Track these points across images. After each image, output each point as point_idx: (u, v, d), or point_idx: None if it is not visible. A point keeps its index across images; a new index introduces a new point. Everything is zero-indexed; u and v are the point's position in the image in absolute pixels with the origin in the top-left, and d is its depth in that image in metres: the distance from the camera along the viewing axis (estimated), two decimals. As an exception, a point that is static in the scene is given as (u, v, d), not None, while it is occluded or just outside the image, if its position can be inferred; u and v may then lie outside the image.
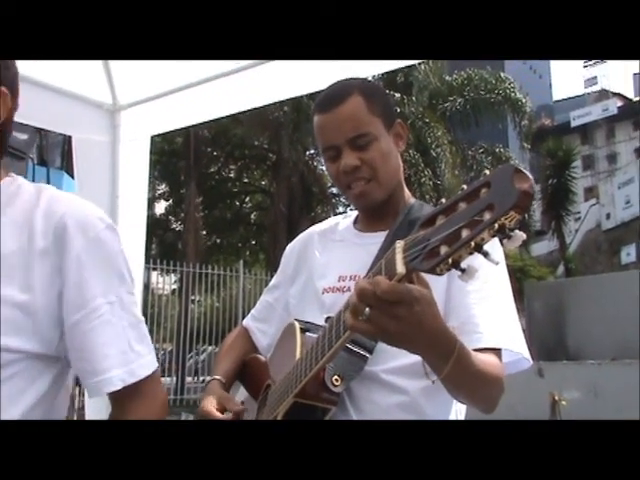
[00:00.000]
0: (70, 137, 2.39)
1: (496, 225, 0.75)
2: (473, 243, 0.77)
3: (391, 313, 0.87)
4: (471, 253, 0.78)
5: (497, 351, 1.15)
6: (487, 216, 0.76)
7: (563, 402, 5.13)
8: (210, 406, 1.28)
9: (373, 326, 0.89)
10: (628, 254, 26.16)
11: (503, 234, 0.75)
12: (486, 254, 0.78)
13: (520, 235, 0.76)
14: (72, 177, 2.46)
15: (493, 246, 0.79)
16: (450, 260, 0.79)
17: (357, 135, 1.24)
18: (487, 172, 0.80)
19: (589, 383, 7.69)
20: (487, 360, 1.09)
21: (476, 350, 1.12)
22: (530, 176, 0.76)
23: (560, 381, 7.37)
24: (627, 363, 7.97)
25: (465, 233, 0.78)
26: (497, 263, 0.81)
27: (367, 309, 0.89)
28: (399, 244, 0.88)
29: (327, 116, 1.27)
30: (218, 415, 1.26)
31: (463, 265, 0.80)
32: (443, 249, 0.80)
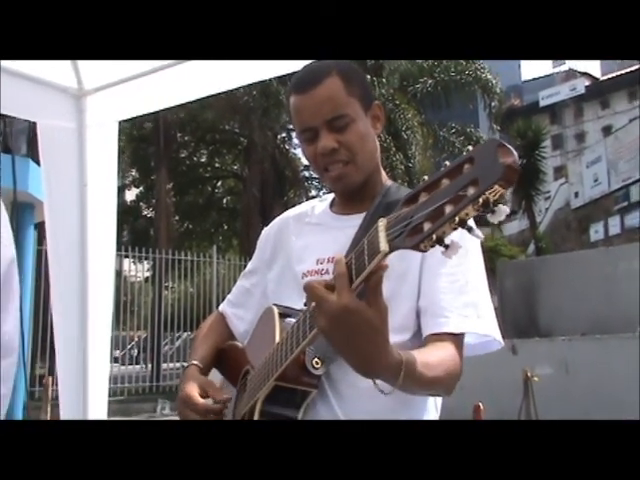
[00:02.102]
0: (35, 123, 2.32)
1: (480, 200, 0.75)
2: (457, 218, 0.77)
3: (327, 320, 0.92)
4: (455, 229, 0.78)
5: (459, 336, 1.16)
6: (471, 191, 0.75)
7: (535, 378, 5.24)
8: (193, 391, 1.26)
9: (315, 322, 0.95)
10: (596, 231, 26.69)
11: (487, 209, 0.75)
12: (470, 229, 0.78)
13: (504, 209, 0.76)
14: (39, 164, 2.39)
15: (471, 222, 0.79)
16: (434, 236, 0.79)
17: (335, 117, 1.22)
18: (466, 150, 0.80)
19: (560, 359, 7.87)
20: (439, 359, 1.10)
21: (438, 335, 1.15)
22: (514, 151, 0.76)
23: (532, 357, 7.51)
24: (597, 338, 8.16)
25: (449, 209, 0.77)
26: (481, 238, 0.82)
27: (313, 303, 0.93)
28: (382, 222, 0.88)
29: (304, 97, 1.24)
30: (201, 401, 1.25)
31: (446, 241, 0.80)
32: (427, 225, 0.80)
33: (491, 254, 15.45)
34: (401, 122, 13.72)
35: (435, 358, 1.09)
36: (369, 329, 0.92)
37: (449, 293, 1.17)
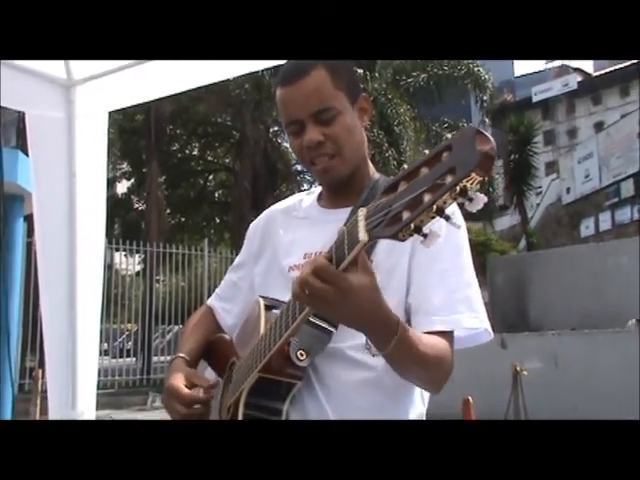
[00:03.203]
0: (24, 114, 2.30)
1: (458, 188, 0.75)
2: (435, 207, 0.77)
3: (322, 298, 0.93)
4: (433, 217, 0.78)
5: (450, 332, 1.16)
6: (449, 179, 0.76)
7: (525, 372, 5.27)
8: (178, 382, 1.26)
9: (308, 302, 0.97)
10: (587, 227, 26.84)
11: (465, 197, 0.75)
12: (448, 218, 0.79)
13: (482, 198, 0.76)
14: (28, 156, 2.37)
15: (454, 212, 0.79)
16: (412, 225, 0.79)
17: (321, 109, 1.21)
18: (447, 136, 0.80)
19: (550, 353, 7.91)
20: (433, 343, 1.11)
21: (430, 333, 1.14)
22: (491, 138, 0.76)
23: (522, 352, 7.55)
24: (586, 333, 8.21)
25: (427, 197, 0.78)
26: (459, 227, 0.82)
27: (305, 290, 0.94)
28: (361, 211, 0.88)
29: (290, 89, 1.23)
30: (186, 391, 1.25)
31: (425, 230, 0.80)
32: (405, 214, 0.80)
33: (482, 249, 15.50)
34: (393, 117, 13.70)
35: (428, 341, 1.10)
36: (365, 289, 0.94)
37: (439, 290, 1.17)
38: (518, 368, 5.17)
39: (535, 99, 38.22)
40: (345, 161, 1.25)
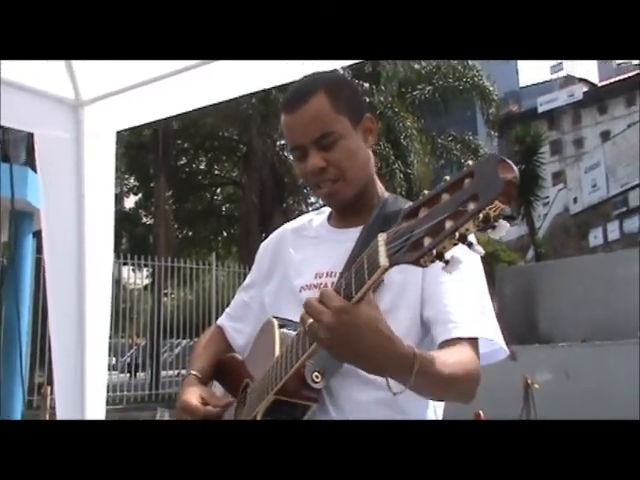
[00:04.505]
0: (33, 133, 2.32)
1: (481, 215, 0.75)
2: (457, 234, 0.77)
3: (324, 325, 0.92)
4: (455, 244, 0.78)
5: (472, 341, 1.15)
6: (471, 206, 0.75)
7: (536, 385, 5.22)
8: (192, 399, 1.26)
9: (312, 336, 0.96)
10: (595, 237, 26.70)
11: (487, 224, 0.75)
12: (470, 245, 0.78)
13: (505, 225, 0.76)
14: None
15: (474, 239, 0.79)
16: (434, 252, 0.79)
17: (322, 135, 1.22)
18: (469, 162, 0.80)
19: (561, 365, 7.84)
20: (457, 359, 1.09)
21: (451, 340, 1.13)
22: (514, 166, 0.76)
23: (532, 364, 7.50)
24: (597, 345, 8.14)
25: (449, 224, 0.77)
26: (481, 253, 0.82)
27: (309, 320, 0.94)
28: (382, 237, 0.88)
29: (292, 116, 1.25)
30: (201, 407, 1.25)
31: (447, 256, 0.80)
32: (427, 241, 0.79)
33: (490, 260, 15.44)
34: (400, 129, 13.73)
35: (453, 358, 1.09)
36: (369, 323, 0.93)
37: (456, 300, 1.17)
38: (529, 381, 5.13)
39: (541, 109, 38.20)
40: (349, 185, 1.26)
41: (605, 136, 33.78)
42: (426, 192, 0.84)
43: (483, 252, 0.82)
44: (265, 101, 13.67)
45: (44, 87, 2.20)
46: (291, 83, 1.34)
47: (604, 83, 39.79)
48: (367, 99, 12.91)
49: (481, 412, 4.89)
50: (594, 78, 44.07)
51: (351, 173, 1.25)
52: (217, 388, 1.42)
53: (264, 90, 2.30)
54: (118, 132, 2.41)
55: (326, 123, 1.22)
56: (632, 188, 25.90)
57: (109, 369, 13.06)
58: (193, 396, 1.27)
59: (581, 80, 41.58)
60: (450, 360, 1.06)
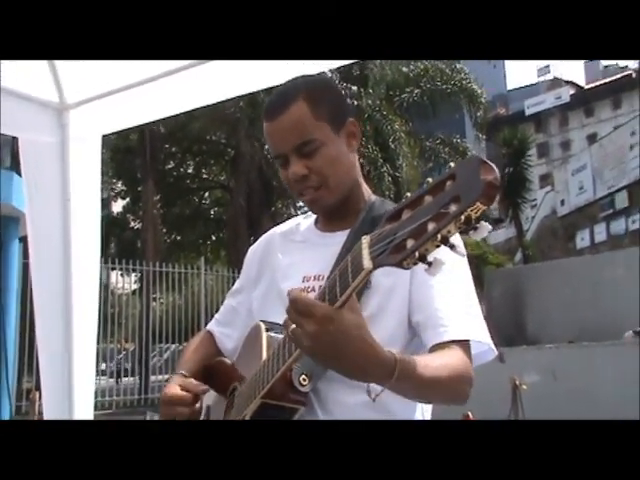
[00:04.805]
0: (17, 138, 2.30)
1: (462, 217, 0.75)
2: (440, 236, 0.77)
3: (307, 333, 0.91)
4: (438, 246, 0.79)
5: (464, 343, 1.15)
6: (453, 208, 0.76)
7: (524, 386, 5.25)
8: (172, 390, 1.27)
9: (294, 342, 0.96)
10: (582, 239, 26.92)
11: (469, 226, 0.76)
12: (452, 246, 0.79)
13: (486, 226, 0.77)
14: (24, 177, 2.38)
15: (456, 237, 0.79)
16: (417, 254, 0.79)
17: (302, 143, 1.22)
18: (451, 164, 0.80)
19: (548, 367, 7.89)
20: (443, 362, 1.09)
21: (442, 344, 1.13)
22: (495, 168, 0.76)
23: (520, 366, 7.53)
24: (584, 345, 8.20)
25: (431, 226, 0.78)
26: (464, 255, 0.82)
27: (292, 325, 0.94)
28: (365, 239, 0.88)
29: (272, 124, 1.25)
30: (184, 394, 1.25)
31: (429, 258, 0.80)
32: (409, 243, 0.80)
33: (478, 262, 15.51)
34: (388, 132, 13.77)
35: (439, 361, 1.08)
36: (351, 330, 0.92)
37: (445, 304, 1.17)
38: (517, 382, 5.15)
39: (528, 112, 38.49)
40: (331, 191, 1.26)
41: (592, 139, 34.07)
42: (409, 193, 0.85)
43: (465, 253, 0.82)
44: (253, 104, 13.65)
45: (28, 90, 2.18)
46: (279, 85, 1.34)
47: (591, 86, 40.17)
48: (355, 102, 12.95)
49: (470, 413, 4.90)
50: (581, 80, 44.51)
51: (333, 180, 1.25)
52: (207, 396, 1.42)
53: (252, 93, 2.29)
54: (104, 136, 2.40)
55: (306, 131, 1.22)
56: (618, 190, 26.14)
57: (98, 374, 13.00)
58: (172, 387, 1.28)
59: (568, 83, 41.95)
60: (434, 364, 1.06)
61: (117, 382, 12.71)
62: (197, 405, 1.26)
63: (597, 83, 38.61)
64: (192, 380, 1.30)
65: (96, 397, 2.42)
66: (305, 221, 1.41)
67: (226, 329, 1.47)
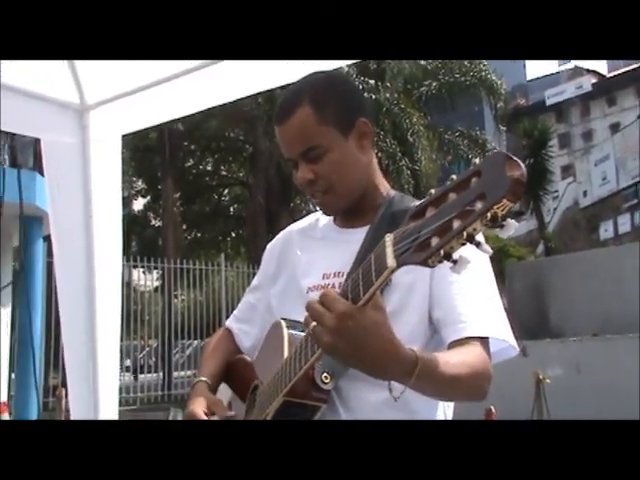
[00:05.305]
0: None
1: (488, 215, 0.74)
2: (465, 234, 0.76)
3: (327, 328, 0.91)
4: (463, 244, 0.77)
5: (483, 340, 1.14)
6: (479, 205, 0.75)
7: (547, 380, 5.20)
8: (199, 409, 1.27)
9: (315, 340, 0.96)
10: (606, 230, 26.52)
11: (495, 223, 0.75)
12: (478, 244, 0.78)
13: (513, 224, 0.76)
14: (45, 177, 2.41)
15: (480, 235, 0.78)
16: (442, 252, 0.78)
17: (307, 149, 1.22)
18: (475, 160, 0.79)
19: (572, 360, 7.81)
20: (462, 359, 1.08)
21: (461, 340, 1.13)
22: (522, 164, 0.75)
23: (544, 359, 7.46)
24: (608, 338, 8.09)
25: (457, 224, 0.77)
26: (490, 253, 0.81)
27: (313, 322, 0.94)
28: (389, 237, 0.87)
29: (280, 129, 1.25)
30: (205, 418, 1.25)
31: (455, 256, 0.79)
32: (434, 241, 0.79)
33: (499, 255, 15.39)
34: (406, 126, 13.69)
35: (457, 358, 1.08)
36: (372, 327, 0.92)
37: (465, 300, 1.16)
38: (540, 376, 5.11)
39: (549, 102, 37.95)
40: (339, 196, 1.26)
41: (614, 128, 33.51)
42: (433, 190, 0.83)
43: (491, 252, 0.81)
44: (271, 100, 13.67)
45: (49, 92, 2.21)
46: (293, 83, 1.34)
47: (613, 74, 39.48)
48: (372, 96, 12.88)
49: (492, 408, 4.88)
50: (602, 69, 43.76)
51: (340, 185, 1.24)
52: (225, 392, 1.42)
53: (269, 90, 2.30)
54: (124, 136, 2.42)
55: (310, 137, 1.21)
56: (642, 180, 25.71)
57: (122, 371, 13.16)
58: (199, 406, 1.28)
59: (589, 72, 41.28)
60: (453, 360, 1.06)
61: (135, 379, 12.85)
62: None
63: (619, 71, 37.92)
64: (217, 402, 1.30)
65: (120, 393, 2.45)
66: (324, 217, 1.40)
67: (245, 326, 1.47)
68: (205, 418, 1.25)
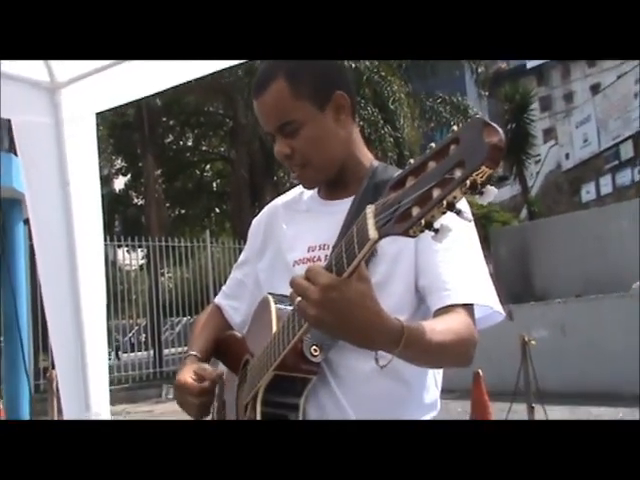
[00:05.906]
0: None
1: (468, 182, 0.74)
2: (445, 202, 0.76)
3: (312, 302, 0.92)
4: (444, 212, 0.77)
5: (468, 306, 1.15)
6: (458, 173, 0.74)
7: (533, 342, 5.28)
8: (186, 377, 1.28)
9: (300, 314, 0.96)
10: (588, 192, 26.75)
11: (475, 190, 0.74)
12: (459, 212, 0.77)
13: (492, 190, 0.75)
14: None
15: (462, 202, 0.78)
16: (423, 221, 0.78)
17: (283, 124, 1.22)
18: (454, 127, 0.78)
19: (556, 321, 7.94)
20: (447, 326, 1.09)
21: (446, 308, 1.14)
22: (499, 129, 0.75)
23: (529, 322, 7.57)
24: (592, 299, 8.23)
25: (436, 192, 0.76)
26: (470, 220, 0.81)
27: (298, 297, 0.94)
28: (369, 209, 0.87)
29: (256, 103, 1.25)
30: (195, 383, 1.27)
31: (436, 225, 0.79)
32: (415, 211, 0.79)
33: (484, 221, 15.46)
34: (387, 94, 13.60)
35: (443, 325, 1.09)
36: (357, 298, 0.93)
37: (449, 268, 1.17)
38: (526, 338, 5.17)
39: (529, 65, 37.87)
40: (317, 170, 1.26)
41: (595, 89, 33.53)
42: (413, 160, 0.84)
43: (472, 219, 0.81)
44: (250, 72, 13.48)
45: (18, 71, 2.15)
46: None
47: (591, 36, 39.35)
48: (352, 65, 12.75)
49: (480, 371, 4.95)
50: (581, 31, 43.61)
51: (317, 159, 1.24)
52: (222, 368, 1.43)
53: (248, 61, 2.26)
54: (99, 113, 2.37)
55: (285, 112, 1.21)
56: (623, 141, 25.85)
57: (112, 350, 13.18)
58: (187, 374, 1.29)
59: (568, 34, 41.14)
60: (439, 328, 1.07)
61: (118, 359, 12.87)
62: (209, 396, 1.28)
63: (598, 32, 37.81)
64: (205, 367, 1.31)
65: (112, 372, 2.45)
66: (308, 190, 1.40)
67: (234, 302, 1.47)
68: (195, 383, 1.27)
